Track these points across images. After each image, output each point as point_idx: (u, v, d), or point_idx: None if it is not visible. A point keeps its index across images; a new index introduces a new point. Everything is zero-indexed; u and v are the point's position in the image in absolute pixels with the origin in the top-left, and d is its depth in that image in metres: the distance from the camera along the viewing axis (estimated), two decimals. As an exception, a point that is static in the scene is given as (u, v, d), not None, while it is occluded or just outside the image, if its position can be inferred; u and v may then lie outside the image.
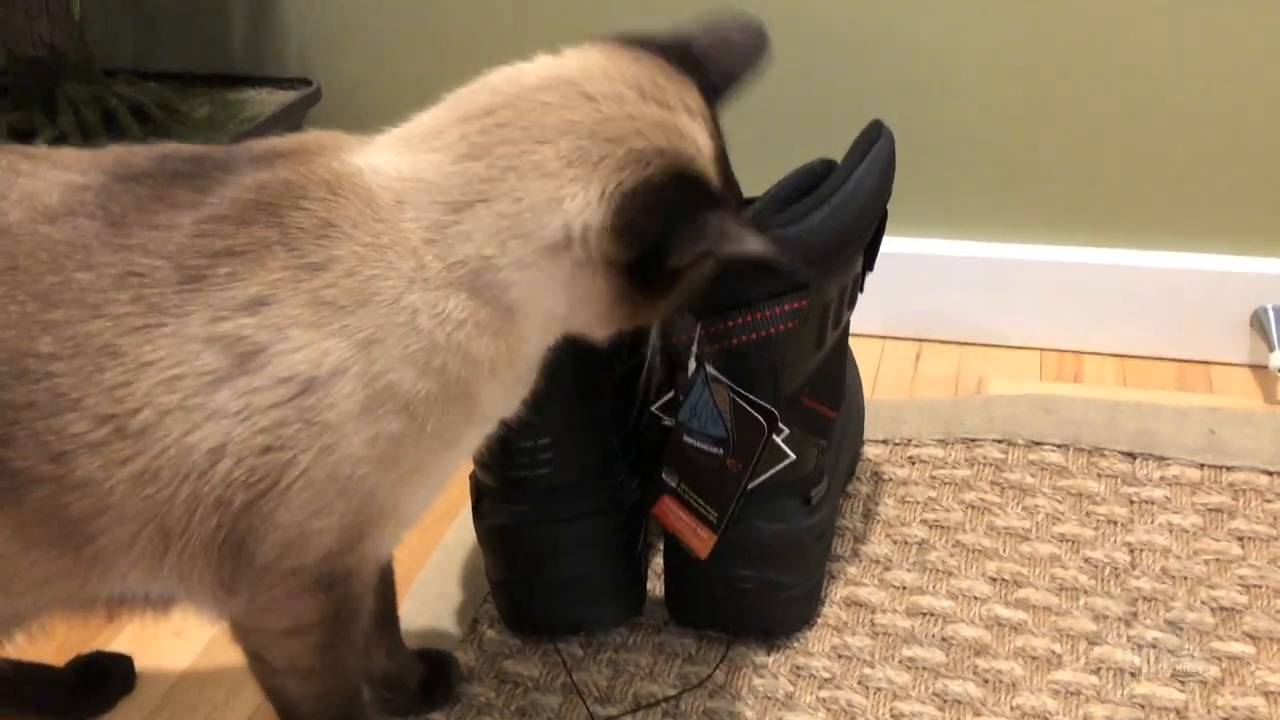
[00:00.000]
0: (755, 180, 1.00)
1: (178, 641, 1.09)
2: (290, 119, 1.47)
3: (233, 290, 0.70)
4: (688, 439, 0.94)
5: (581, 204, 0.70)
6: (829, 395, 1.01)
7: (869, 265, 0.99)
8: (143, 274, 0.70)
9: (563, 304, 0.74)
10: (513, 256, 0.71)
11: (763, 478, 0.94)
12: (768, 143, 1.23)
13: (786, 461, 0.94)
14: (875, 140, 0.95)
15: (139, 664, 1.06)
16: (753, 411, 0.90)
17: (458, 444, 0.78)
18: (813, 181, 0.94)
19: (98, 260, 0.70)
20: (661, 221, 0.70)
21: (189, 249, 0.70)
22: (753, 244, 0.69)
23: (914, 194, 1.37)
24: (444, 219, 0.71)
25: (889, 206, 0.98)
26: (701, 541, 0.96)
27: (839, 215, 0.88)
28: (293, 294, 0.70)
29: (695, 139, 0.73)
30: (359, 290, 0.71)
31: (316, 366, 0.70)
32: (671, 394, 0.96)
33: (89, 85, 1.41)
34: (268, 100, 1.47)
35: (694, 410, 0.93)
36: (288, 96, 1.47)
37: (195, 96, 1.48)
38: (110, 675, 1.04)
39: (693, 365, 0.90)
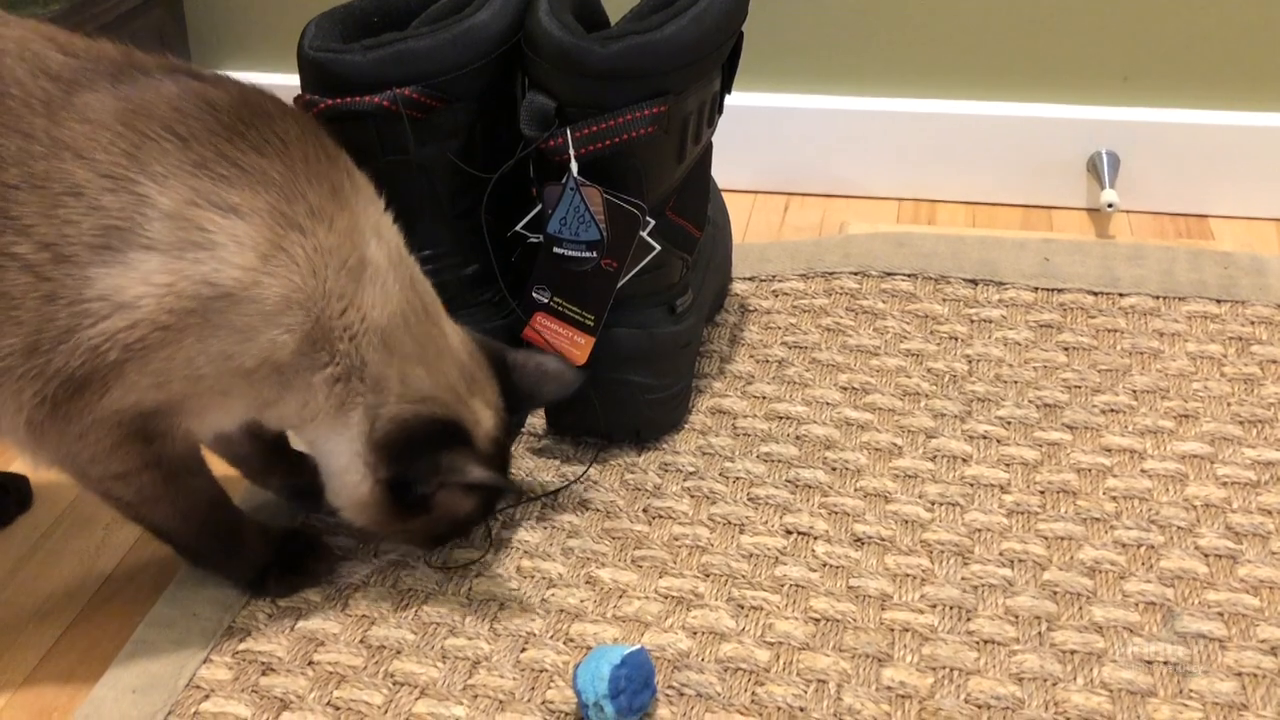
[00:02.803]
0: (617, 3, 1.06)
1: (73, 464, 1.12)
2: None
3: (221, 190, 0.77)
4: (558, 249, 1.01)
5: (383, 413, 0.87)
6: (692, 214, 1.08)
7: (727, 87, 1.05)
8: (145, 134, 0.77)
9: (337, 459, 0.89)
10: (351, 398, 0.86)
11: (633, 273, 1.01)
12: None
13: (654, 253, 1.01)
14: (730, -36, 1.01)
15: (36, 484, 1.09)
16: (626, 206, 0.97)
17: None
18: (669, 2, 1.00)
19: (99, 114, 0.76)
20: (411, 452, 0.87)
21: (208, 138, 0.78)
22: (476, 473, 0.88)
23: (784, 51, 1.44)
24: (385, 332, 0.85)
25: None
26: (580, 348, 1.03)
27: (696, 25, 0.94)
28: (267, 226, 0.78)
29: (478, 416, 0.91)
30: (311, 264, 0.80)
31: (244, 288, 0.78)
32: (537, 211, 1.02)
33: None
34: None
35: (564, 219, 0.99)
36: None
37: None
38: (6, 492, 1.07)
39: (575, 168, 0.95)
